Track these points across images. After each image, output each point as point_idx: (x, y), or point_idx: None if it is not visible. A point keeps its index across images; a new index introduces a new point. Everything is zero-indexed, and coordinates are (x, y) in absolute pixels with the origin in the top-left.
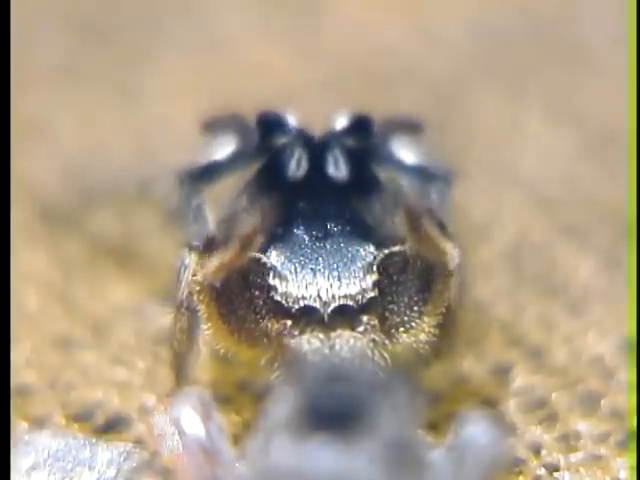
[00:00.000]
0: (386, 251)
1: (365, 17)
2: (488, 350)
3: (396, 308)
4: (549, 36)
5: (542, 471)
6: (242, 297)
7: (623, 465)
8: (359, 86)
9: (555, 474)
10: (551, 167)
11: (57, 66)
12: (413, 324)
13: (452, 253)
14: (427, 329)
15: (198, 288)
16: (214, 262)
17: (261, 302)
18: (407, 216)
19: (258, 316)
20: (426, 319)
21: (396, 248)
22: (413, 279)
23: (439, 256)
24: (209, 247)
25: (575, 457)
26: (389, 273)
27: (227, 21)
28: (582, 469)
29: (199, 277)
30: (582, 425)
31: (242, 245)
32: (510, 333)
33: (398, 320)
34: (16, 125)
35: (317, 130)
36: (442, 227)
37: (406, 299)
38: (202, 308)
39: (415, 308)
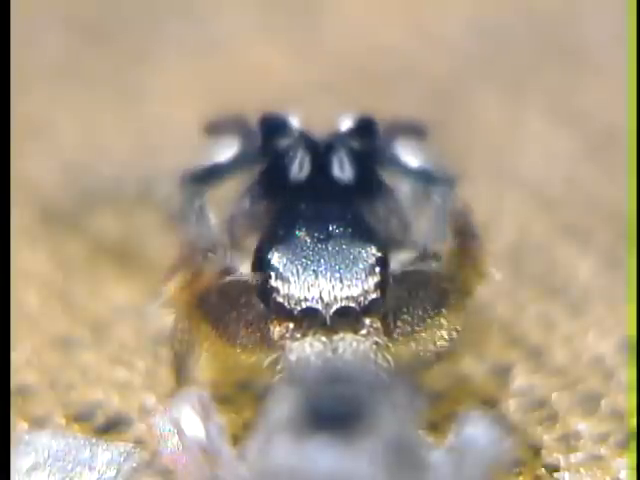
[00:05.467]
0: (411, 268)
1: (365, 17)
2: (488, 350)
3: (409, 319)
4: (549, 36)
5: (542, 471)
6: (230, 316)
7: (623, 465)
8: (359, 86)
9: (555, 474)
10: (551, 167)
11: (57, 66)
12: (423, 335)
13: (491, 274)
14: (435, 340)
15: (185, 314)
16: (174, 283)
17: (251, 315)
18: (457, 221)
19: (252, 326)
20: (437, 331)
21: (423, 266)
22: (432, 296)
23: (477, 276)
24: (170, 273)
25: (575, 457)
26: (409, 288)
27: (227, 21)
28: (582, 469)
29: (165, 303)
30: (582, 425)
31: (193, 267)
32: (510, 333)
33: (409, 329)
34: (16, 125)
35: (318, 130)
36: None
37: (420, 312)
38: (196, 333)
39: (429, 321)
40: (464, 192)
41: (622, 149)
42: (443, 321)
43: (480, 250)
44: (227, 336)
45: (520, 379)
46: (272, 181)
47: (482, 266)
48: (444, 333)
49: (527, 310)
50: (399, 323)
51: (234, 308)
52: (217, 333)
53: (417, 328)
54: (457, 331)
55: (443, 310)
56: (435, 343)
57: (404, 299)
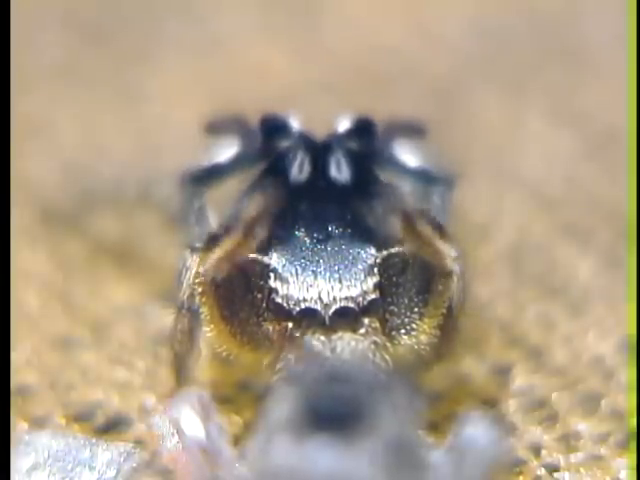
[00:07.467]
0: (385, 252)
1: (365, 17)
2: (488, 350)
3: (397, 309)
4: (550, 36)
5: (542, 471)
6: (244, 299)
7: (623, 465)
8: (359, 86)
9: (555, 474)
10: (552, 167)
11: (57, 66)
12: (414, 325)
13: (449, 254)
14: (428, 330)
15: (200, 289)
16: (217, 253)
17: (262, 304)
18: (402, 219)
19: (259, 318)
20: (427, 320)
21: (395, 249)
22: (413, 280)
23: (436, 257)
24: (211, 244)
25: (575, 457)
26: (389, 274)
27: (227, 21)
28: (582, 469)
29: (201, 271)
30: (582, 425)
31: (245, 231)
32: (510, 333)
33: (399, 322)
34: (16, 125)
35: (318, 130)
36: (439, 228)
37: (406, 300)
38: (204, 310)
39: (416, 309)
40: (464, 192)
41: (622, 149)
42: (430, 308)
43: (425, 231)
44: (235, 325)
45: (520, 379)
46: (272, 182)
47: (434, 246)
48: (433, 320)
49: (527, 310)
50: (387, 315)
51: (248, 296)
52: (226, 320)
53: (406, 319)
54: (445, 318)
55: (428, 295)
56: (427, 332)
57: (388, 287)
